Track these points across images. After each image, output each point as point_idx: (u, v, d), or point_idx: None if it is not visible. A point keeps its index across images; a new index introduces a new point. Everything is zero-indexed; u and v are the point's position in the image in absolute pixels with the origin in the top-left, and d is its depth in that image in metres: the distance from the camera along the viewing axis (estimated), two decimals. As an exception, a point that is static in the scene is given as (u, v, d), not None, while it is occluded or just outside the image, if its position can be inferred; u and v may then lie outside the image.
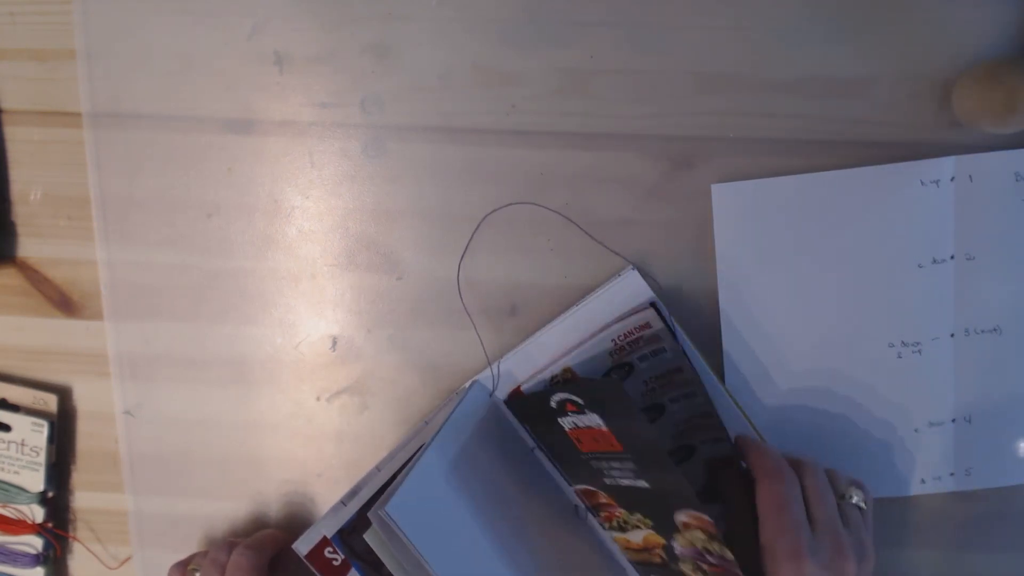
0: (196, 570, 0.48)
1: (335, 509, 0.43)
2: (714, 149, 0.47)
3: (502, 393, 0.49)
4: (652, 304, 0.47)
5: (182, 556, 0.50)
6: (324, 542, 0.43)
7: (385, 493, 0.40)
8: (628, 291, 0.48)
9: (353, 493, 0.44)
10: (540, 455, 0.50)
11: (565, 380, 0.48)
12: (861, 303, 0.48)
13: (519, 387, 0.49)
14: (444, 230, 0.49)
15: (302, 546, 0.42)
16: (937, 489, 0.49)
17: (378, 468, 0.46)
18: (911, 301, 0.47)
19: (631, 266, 0.48)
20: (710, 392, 0.47)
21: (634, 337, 0.47)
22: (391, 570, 0.40)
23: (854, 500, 0.42)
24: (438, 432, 0.43)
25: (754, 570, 0.39)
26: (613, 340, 0.48)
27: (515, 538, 0.45)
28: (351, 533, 0.43)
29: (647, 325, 0.47)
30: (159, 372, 0.52)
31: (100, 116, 0.50)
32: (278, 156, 0.50)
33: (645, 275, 0.48)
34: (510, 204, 0.48)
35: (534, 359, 0.49)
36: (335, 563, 0.43)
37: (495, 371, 0.49)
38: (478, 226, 0.49)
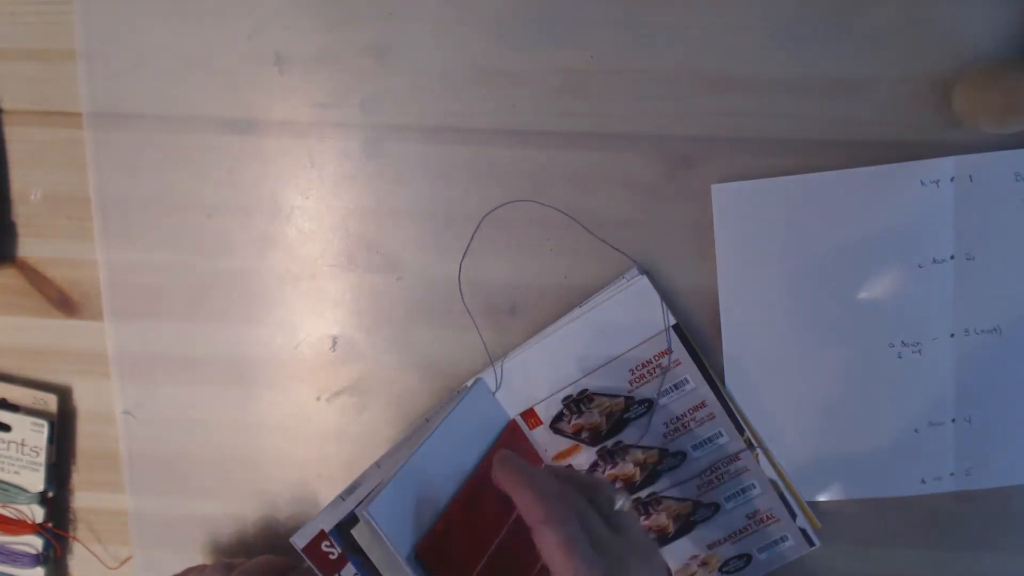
0: None
1: (334, 504, 0.43)
2: (714, 149, 0.47)
3: (516, 404, 0.49)
4: (674, 327, 0.48)
5: (182, 556, 0.50)
6: (321, 535, 0.43)
7: (371, 492, 0.40)
8: (639, 299, 0.48)
9: (352, 489, 0.44)
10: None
11: (579, 400, 0.49)
12: (861, 303, 0.48)
13: (533, 408, 0.49)
14: (444, 230, 0.49)
15: (299, 539, 0.42)
16: (937, 489, 0.49)
17: (377, 464, 0.46)
18: (911, 301, 0.47)
19: (642, 273, 0.48)
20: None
21: (653, 365, 0.48)
22: (378, 567, 0.40)
23: (624, 507, 0.40)
24: (432, 432, 0.43)
25: None
26: (631, 370, 0.48)
27: None
28: (349, 527, 0.43)
29: (668, 350, 0.48)
30: (159, 372, 0.52)
31: (100, 116, 0.50)
32: (278, 156, 0.50)
33: (655, 281, 0.47)
34: (511, 202, 0.48)
35: (546, 370, 0.49)
36: (332, 556, 0.43)
37: (498, 370, 0.49)
38: (479, 225, 0.49)
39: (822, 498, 0.50)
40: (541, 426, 0.50)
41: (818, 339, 0.48)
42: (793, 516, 0.49)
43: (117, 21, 0.49)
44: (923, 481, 0.49)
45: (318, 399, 0.52)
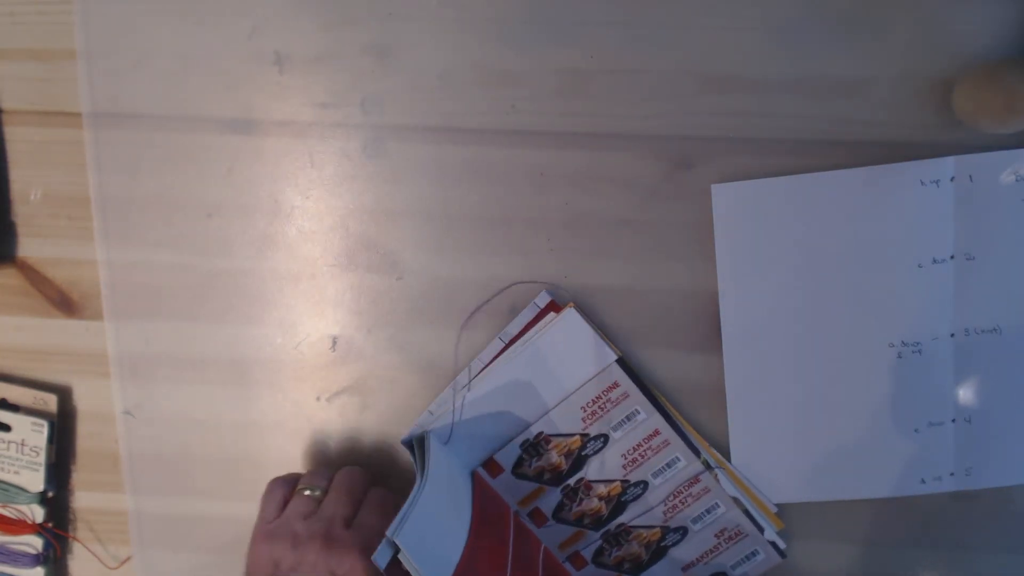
0: (309, 492, 0.45)
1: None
2: (714, 149, 0.47)
3: (472, 453, 0.49)
4: (617, 361, 0.48)
5: (182, 556, 0.50)
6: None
7: (397, 519, 0.39)
8: (572, 331, 0.48)
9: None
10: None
11: (536, 444, 0.49)
12: (861, 303, 0.48)
13: (493, 457, 0.49)
14: (444, 230, 0.49)
15: (380, 559, 0.39)
16: (937, 489, 0.49)
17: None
18: (911, 301, 0.47)
19: (568, 306, 0.48)
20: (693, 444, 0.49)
21: (603, 400, 0.48)
22: None
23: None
24: (422, 484, 0.43)
25: None
26: (582, 407, 0.48)
27: None
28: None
29: (615, 384, 0.48)
30: (159, 372, 0.52)
31: (100, 116, 0.50)
32: (278, 156, 0.50)
33: (584, 313, 0.48)
34: (519, 283, 0.49)
35: (496, 418, 0.49)
36: None
37: (456, 415, 0.49)
38: (496, 295, 0.49)
39: (821, 498, 0.50)
40: (503, 473, 0.50)
41: (818, 339, 0.48)
42: (761, 530, 0.50)
43: (117, 21, 0.49)
44: (923, 481, 0.49)
45: (318, 399, 0.52)
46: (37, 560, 0.53)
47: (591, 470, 0.49)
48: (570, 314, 0.47)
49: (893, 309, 0.47)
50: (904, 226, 0.46)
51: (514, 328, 0.49)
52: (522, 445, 0.49)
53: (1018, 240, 0.46)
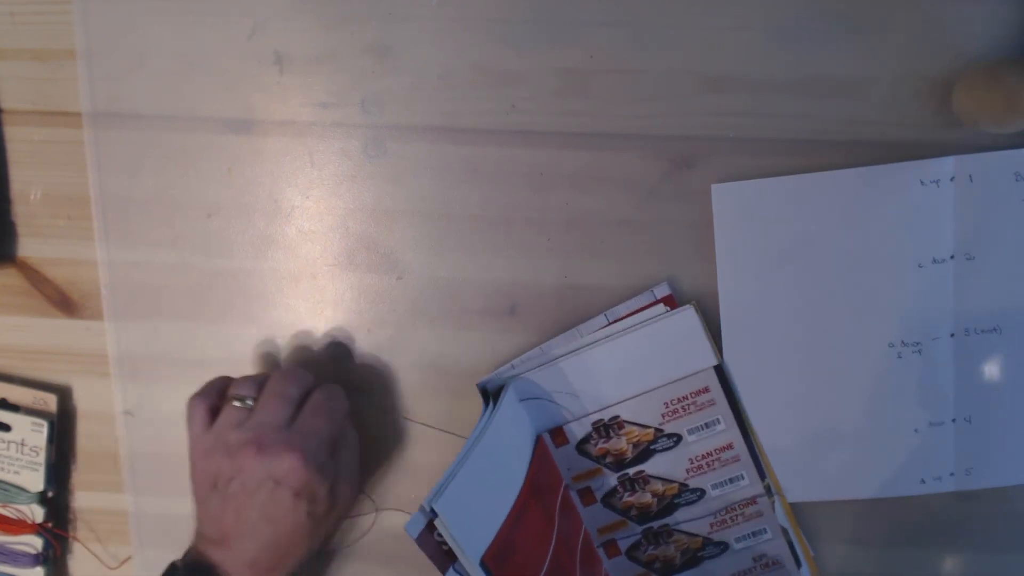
0: (239, 403, 0.43)
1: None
2: (714, 149, 0.47)
3: (543, 418, 0.49)
4: (715, 368, 0.48)
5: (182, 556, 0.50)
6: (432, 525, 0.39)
7: (436, 487, 0.38)
8: (683, 329, 0.47)
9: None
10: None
11: (609, 425, 0.48)
12: (861, 303, 0.48)
13: (562, 427, 0.49)
14: (444, 230, 0.49)
15: (412, 528, 0.38)
16: (937, 489, 0.49)
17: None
18: (911, 301, 0.47)
19: (685, 302, 0.47)
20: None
21: (688, 402, 0.48)
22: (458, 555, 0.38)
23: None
24: (482, 433, 0.43)
25: None
26: (665, 403, 0.48)
27: None
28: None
29: (705, 389, 0.48)
30: (159, 372, 0.52)
31: (100, 116, 0.50)
32: (278, 156, 0.50)
33: (702, 315, 0.47)
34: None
35: (578, 390, 0.48)
36: (445, 548, 0.40)
37: (532, 379, 0.48)
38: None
39: (822, 498, 0.50)
40: (567, 445, 0.49)
41: (818, 339, 0.48)
42: (798, 564, 0.50)
43: (117, 21, 0.49)
44: (923, 481, 0.49)
45: (318, 399, 0.52)
46: (37, 560, 0.53)
47: (653, 465, 0.49)
48: (688, 312, 0.47)
49: (893, 309, 0.47)
50: (904, 226, 0.46)
51: (623, 308, 0.48)
52: (595, 423, 0.49)
53: (1018, 240, 0.46)
